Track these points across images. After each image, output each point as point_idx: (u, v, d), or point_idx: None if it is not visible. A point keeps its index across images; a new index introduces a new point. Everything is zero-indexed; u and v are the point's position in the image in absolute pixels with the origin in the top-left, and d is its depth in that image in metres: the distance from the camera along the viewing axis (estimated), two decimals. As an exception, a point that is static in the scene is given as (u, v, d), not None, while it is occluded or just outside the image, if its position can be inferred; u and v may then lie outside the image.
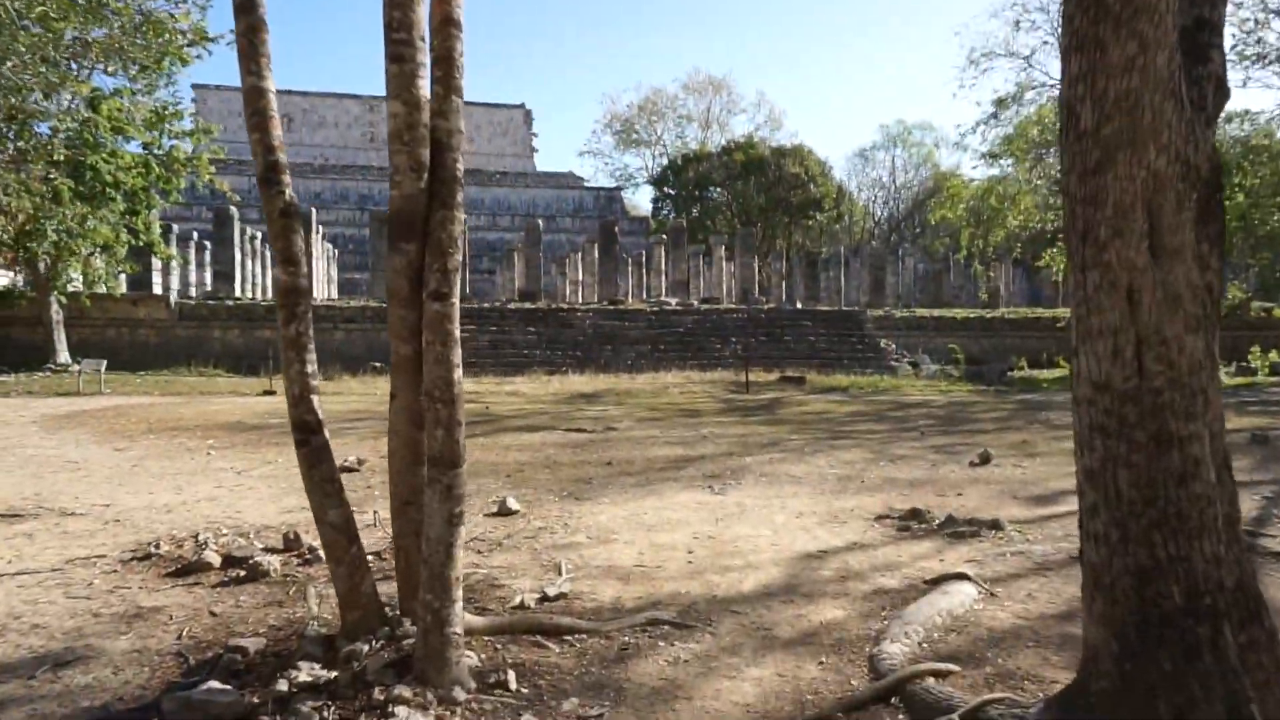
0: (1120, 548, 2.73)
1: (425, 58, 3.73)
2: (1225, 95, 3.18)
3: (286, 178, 3.75)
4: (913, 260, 41.34)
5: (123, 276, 24.94)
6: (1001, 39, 72.34)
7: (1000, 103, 26.30)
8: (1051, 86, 26.82)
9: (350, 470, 8.43)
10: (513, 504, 6.77)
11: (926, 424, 13.29)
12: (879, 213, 64.24)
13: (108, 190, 18.69)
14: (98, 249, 20.02)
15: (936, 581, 4.75)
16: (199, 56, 19.77)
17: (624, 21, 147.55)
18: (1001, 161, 28.19)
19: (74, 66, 15.45)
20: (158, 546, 5.44)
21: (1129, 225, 2.77)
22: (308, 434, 3.73)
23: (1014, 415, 14.85)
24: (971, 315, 29.93)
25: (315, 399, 3.75)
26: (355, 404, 16.03)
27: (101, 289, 22.30)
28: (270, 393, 17.78)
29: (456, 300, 3.65)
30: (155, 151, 20.38)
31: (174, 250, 25.20)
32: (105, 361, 18.87)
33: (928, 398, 18.57)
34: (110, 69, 16.05)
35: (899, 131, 61.90)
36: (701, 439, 11.11)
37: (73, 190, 18.08)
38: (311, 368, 3.74)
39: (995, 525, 6.14)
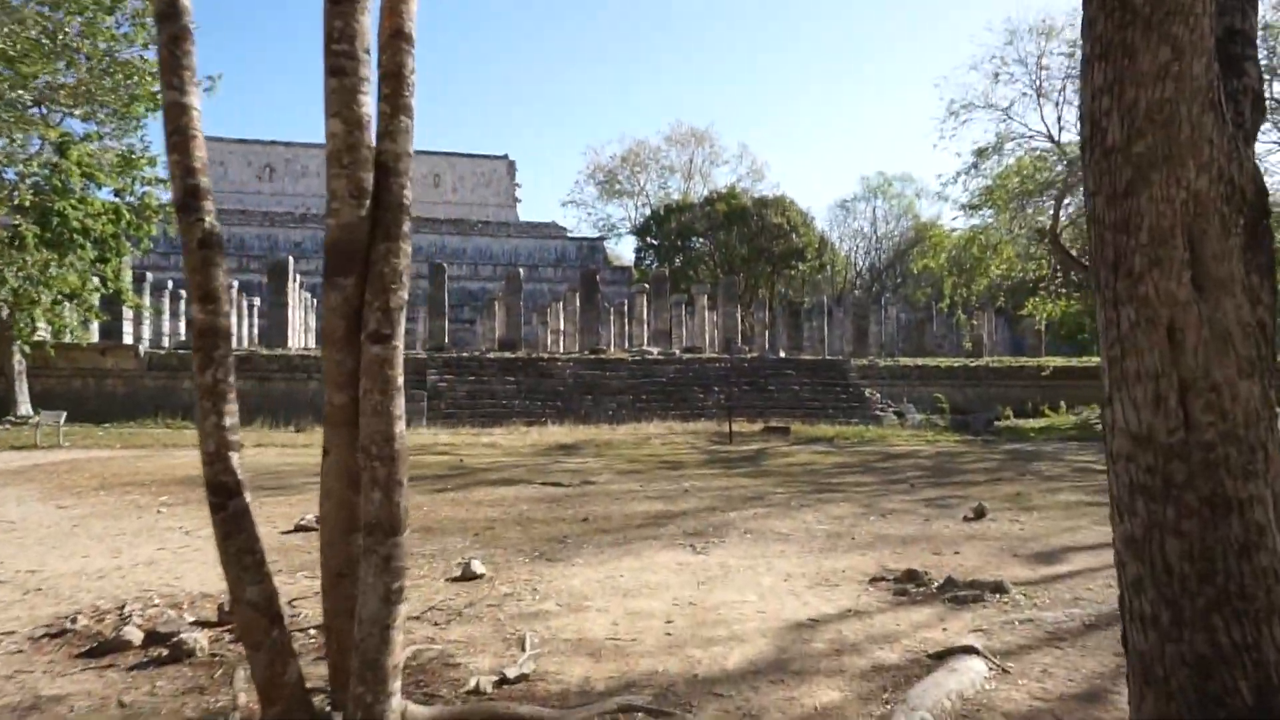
0: (1173, 632, 2.30)
1: (369, 73, 3.36)
2: (1263, 112, 2.85)
3: (209, 204, 3.33)
4: (895, 310, 41.38)
5: (94, 326, 24.34)
6: (980, 91, 73.65)
7: (980, 153, 26.46)
8: (1029, 137, 27.11)
9: (310, 530, 7.88)
10: (478, 567, 6.25)
11: (916, 476, 12.87)
12: (860, 263, 64.67)
13: (75, 237, 18.22)
14: (64, 297, 19.46)
15: (941, 656, 4.29)
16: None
17: (607, 74, 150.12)
18: (982, 212, 28.32)
19: (41, 110, 15.08)
20: (75, 621, 4.89)
21: (1168, 253, 2.39)
22: (224, 497, 3.26)
23: (1004, 466, 14.47)
24: (955, 364, 29.76)
25: (234, 456, 3.29)
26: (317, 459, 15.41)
27: (69, 338, 21.66)
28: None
29: (400, 343, 3.24)
30: (127, 198, 19.96)
31: (146, 299, 24.63)
32: (65, 413, 18.19)
33: (915, 448, 18.18)
34: (80, 113, 15.70)
35: (879, 183, 62.69)
36: (683, 493, 10.63)
37: (38, 237, 17.61)
38: (231, 420, 3.29)
39: (999, 588, 5.68)
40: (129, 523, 8.42)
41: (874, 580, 6.09)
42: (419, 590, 5.73)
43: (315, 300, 39.14)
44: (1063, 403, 27.15)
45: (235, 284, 32.82)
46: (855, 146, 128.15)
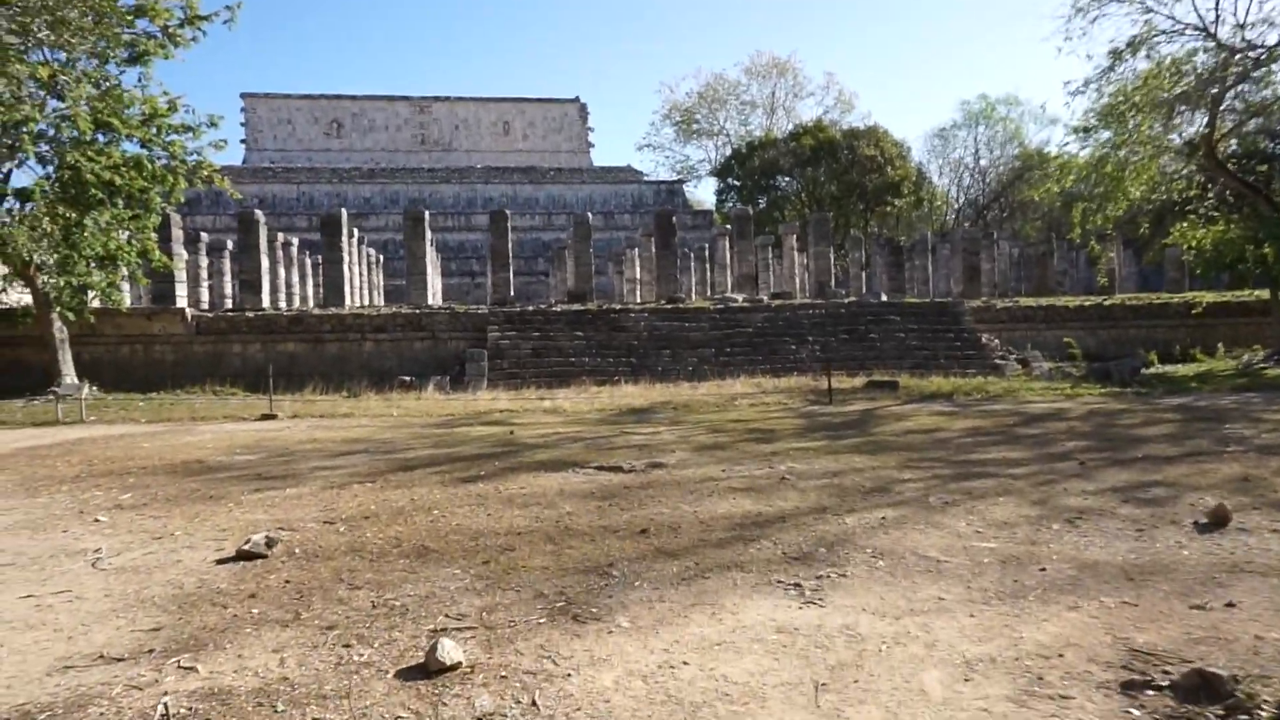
0: None
1: None
2: None
3: None
4: (1008, 244, 37.18)
5: (139, 290, 23.06)
6: None
7: (1116, 54, 22.40)
8: (1177, 32, 22.81)
9: (256, 557, 5.68)
10: (450, 652, 3.86)
11: (1079, 448, 9.95)
12: (960, 196, 59.67)
13: (95, 193, 16.59)
14: (95, 259, 17.98)
15: None
16: (194, 39, 17.74)
17: (680, 5, 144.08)
18: (1099, 134, 24.27)
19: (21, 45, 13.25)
20: None
21: None
22: None
23: (1188, 431, 11.36)
24: (1087, 303, 25.99)
25: None
26: (360, 430, 13.46)
27: (102, 303, 20.34)
28: (270, 416, 15.38)
29: None
30: (156, 151, 18.23)
31: (178, 258, 23.16)
32: (87, 384, 16.81)
33: (1056, 405, 15.09)
34: (54, 41, 13.82)
35: (981, 108, 57.25)
36: (779, 482, 8.06)
37: (54, 194, 16.03)
38: None
39: None
40: (36, 542, 6.39)
41: (1127, 688, 3.45)
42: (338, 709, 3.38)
43: (382, 257, 37.71)
44: (1220, 345, 23.22)
45: (295, 241, 31.43)
46: (952, 69, 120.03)
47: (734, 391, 18.17)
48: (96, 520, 7.07)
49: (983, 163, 57.26)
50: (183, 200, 19.94)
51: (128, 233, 17.92)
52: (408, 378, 20.26)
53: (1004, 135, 56.70)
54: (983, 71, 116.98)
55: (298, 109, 56.84)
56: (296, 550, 5.91)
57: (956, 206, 57.86)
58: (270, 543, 5.83)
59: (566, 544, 6.01)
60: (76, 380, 20.04)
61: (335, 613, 4.62)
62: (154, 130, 18.07)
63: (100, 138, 17.62)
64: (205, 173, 18.50)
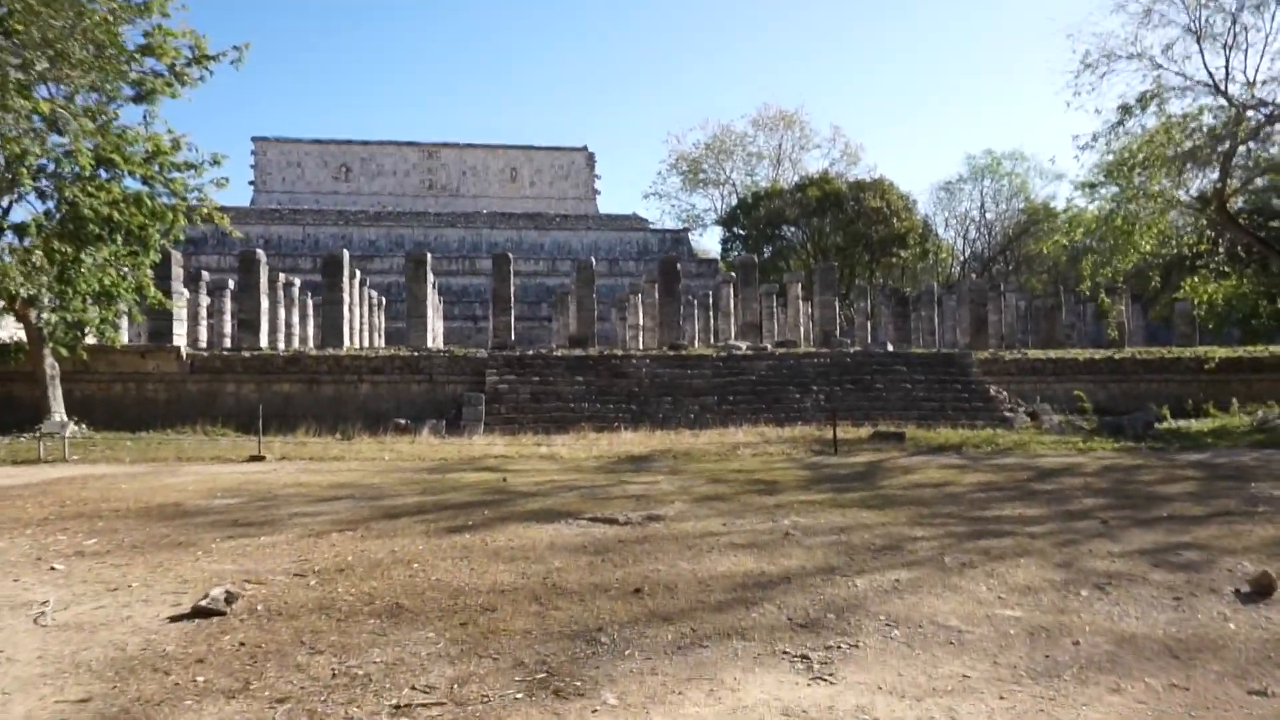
0: None
1: None
2: None
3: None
4: (1014, 297, 36.92)
5: (137, 327, 22.78)
6: (1123, 38, 67.16)
7: (1126, 109, 22.30)
8: (1186, 89, 22.76)
9: (214, 614, 5.21)
10: (408, 736, 3.40)
11: (1099, 506, 9.46)
12: (965, 249, 59.69)
13: (91, 228, 16.38)
14: (92, 296, 17.72)
15: None
16: (201, 78, 17.70)
17: (688, 57, 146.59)
18: (1103, 189, 24.15)
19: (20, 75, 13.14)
20: None
21: None
22: None
23: (1211, 489, 10.86)
24: (1097, 356, 25.56)
25: None
26: (348, 474, 12.98)
27: (94, 340, 20.03)
28: (258, 458, 14.93)
29: None
30: (157, 189, 18.07)
31: (178, 296, 22.91)
32: (72, 423, 16.41)
33: (1069, 460, 14.59)
34: (54, 75, 13.70)
35: (987, 162, 57.56)
36: (783, 538, 7.58)
37: (50, 230, 15.83)
38: None
39: None
40: (-19, 594, 5.93)
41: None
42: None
43: (384, 300, 37.54)
44: (1234, 400, 22.74)
45: (298, 282, 31.27)
46: (959, 124, 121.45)
47: (736, 440, 17.69)
48: (52, 569, 6.60)
49: (989, 216, 57.47)
50: (183, 238, 19.74)
51: (125, 269, 17.67)
52: (403, 421, 19.82)
53: (1010, 189, 57.01)
54: (989, 126, 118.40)
55: (307, 153, 57.40)
56: (259, 607, 5.44)
57: (962, 259, 57.87)
58: (230, 598, 5.37)
59: (553, 604, 5.54)
60: (65, 418, 19.64)
61: (290, 682, 4.15)
62: (156, 168, 17.93)
63: (102, 174, 17.49)
64: (206, 210, 18.32)
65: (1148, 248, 22.79)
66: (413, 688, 4.07)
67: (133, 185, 18.17)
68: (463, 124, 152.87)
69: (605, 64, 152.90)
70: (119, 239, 18.15)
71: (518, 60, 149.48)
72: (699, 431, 19.08)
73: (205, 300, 27.62)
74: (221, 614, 5.21)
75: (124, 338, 22.43)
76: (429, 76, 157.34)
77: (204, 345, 27.14)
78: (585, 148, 63.43)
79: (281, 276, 29.27)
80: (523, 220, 52.34)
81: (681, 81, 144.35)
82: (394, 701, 3.88)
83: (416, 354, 22.23)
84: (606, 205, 65.59)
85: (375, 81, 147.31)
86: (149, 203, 17.11)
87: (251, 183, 57.49)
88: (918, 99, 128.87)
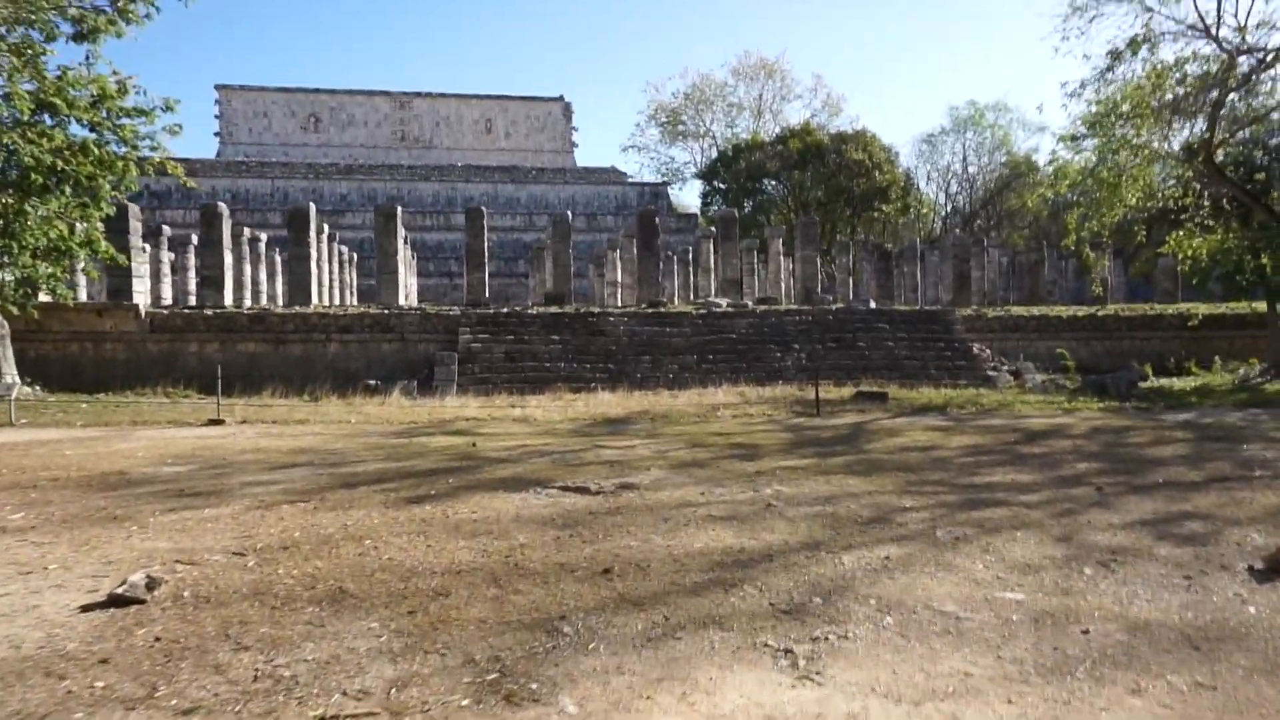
0: None
1: None
2: None
3: None
4: (996, 252, 36.51)
5: (93, 285, 21.87)
6: None
7: (1115, 54, 21.69)
8: (1178, 33, 22.12)
9: (120, 603, 4.69)
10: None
11: (1091, 471, 9.10)
12: (947, 205, 59.13)
13: (34, 179, 15.44)
14: (37, 251, 16.82)
15: None
16: (147, 16, 16.66)
17: (667, 4, 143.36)
18: (1084, 144, 23.63)
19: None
20: None
21: None
22: None
23: (1202, 452, 10.55)
24: (1080, 314, 25.27)
25: None
26: (310, 439, 12.41)
27: (54, 298, 19.16)
28: (218, 422, 14.31)
29: None
30: (106, 135, 17.07)
31: (136, 251, 21.96)
32: (18, 384, 15.69)
33: (1056, 421, 14.28)
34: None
35: (970, 114, 56.73)
36: (765, 509, 7.13)
37: (-9, 177, 14.90)
38: None
39: None
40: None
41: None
42: None
43: (356, 256, 36.52)
44: (1216, 358, 22.57)
45: (264, 237, 30.27)
46: (942, 74, 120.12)
47: (716, 401, 17.26)
48: (-37, 548, 6.02)
49: (971, 169, 56.79)
50: (137, 189, 18.77)
51: (75, 222, 16.75)
52: (373, 382, 19.21)
53: (992, 142, 56.33)
54: (972, 76, 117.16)
55: (274, 102, 55.52)
56: (186, 593, 4.91)
57: (944, 214, 57.34)
58: (152, 584, 4.83)
59: (513, 587, 5.05)
60: (15, 379, 18.86)
61: (203, 687, 3.63)
62: (104, 113, 16.91)
63: (47, 120, 16.49)
64: (159, 160, 17.35)
65: (1133, 201, 22.38)
66: (344, 693, 3.57)
67: (80, 134, 17.19)
68: (436, 74, 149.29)
69: (582, 11, 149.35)
70: (66, 190, 17.22)
71: (492, 7, 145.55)
72: (678, 392, 18.62)
73: (168, 256, 26.63)
74: (140, 602, 4.67)
75: (83, 295, 21.54)
76: (401, 24, 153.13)
77: (167, 303, 26.24)
78: (562, 98, 61.91)
79: (247, 231, 28.26)
80: (498, 173, 51.11)
81: (660, 30, 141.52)
82: (319, 712, 3.38)
83: (387, 312, 21.52)
84: (584, 158, 64.39)
85: (345, 28, 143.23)
86: (96, 150, 16.13)
87: (217, 134, 55.58)
88: (900, 47, 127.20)
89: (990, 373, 21.18)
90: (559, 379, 19.49)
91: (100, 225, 17.12)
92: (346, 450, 11.13)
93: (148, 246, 24.72)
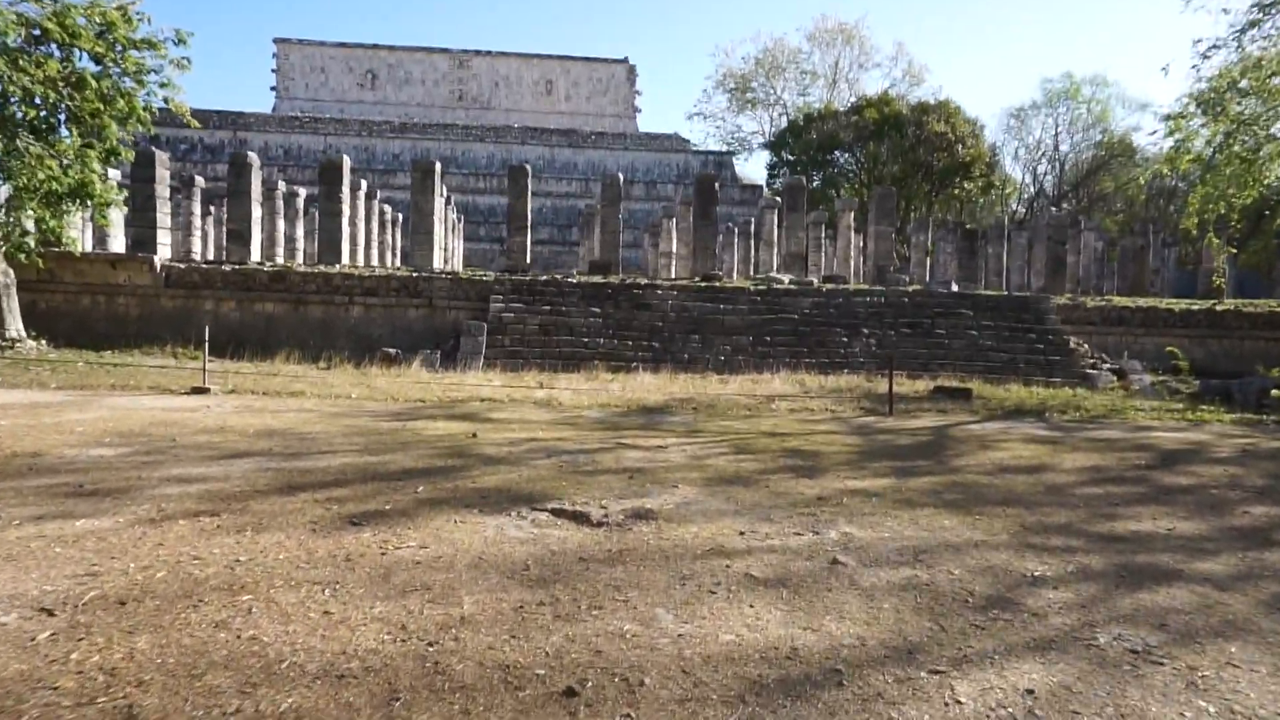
0: None
1: None
2: None
3: None
4: (1092, 236, 33.18)
5: (121, 235, 20.58)
6: None
7: (1264, 6, 18.56)
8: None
9: None
10: None
11: (1272, 517, 6.74)
12: (1033, 185, 55.13)
13: (15, 110, 13.97)
14: (29, 193, 15.44)
15: None
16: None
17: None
18: (1189, 124, 20.47)
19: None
20: None
21: None
22: None
23: None
24: (1195, 308, 22.24)
25: None
26: (291, 417, 10.67)
27: (59, 246, 17.86)
28: (202, 390, 12.67)
29: None
30: (111, 69, 15.55)
31: (162, 202, 20.59)
32: (29, 338, 14.43)
33: (1187, 435, 11.74)
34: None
35: (1065, 87, 52.44)
36: (830, 569, 5.00)
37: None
38: None
39: None
40: None
41: None
42: None
43: (401, 217, 35.04)
44: (1360, 365, 19.43)
45: (302, 193, 28.88)
46: (1034, 45, 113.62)
47: (771, 390, 15.07)
48: None
49: (1063, 148, 52.49)
50: (151, 130, 17.25)
51: (68, 164, 15.28)
52: (392, 350, 17.49)
53: (1088, 119, 51.96)
54: (1068, 49, 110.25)
55: (331, 58, 54.26)
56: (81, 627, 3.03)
57: (1029, 195, 53.39)
58: None
59: (413, 718, 3.06)
60: (21, 332, 17.67)
61: None
62: (112, 45, 15.37)
63: (54, 51, 15.01)
64: (164, 97, 15.75)
65: (1274, 179, 19.32)
66: None
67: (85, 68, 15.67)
68: (496, 32, 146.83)
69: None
70: (74, 131, 15.81)
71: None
72: (729, 377, 16.47)
73: (197, 208, 25.36)
74: None
75: (87, 244, 20.29)
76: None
77: (196, 257, 24.99)
78: (626, 60, 59.28)
79: (281, 185, 26.82)
80: (556, 136, 49.06)
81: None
82: None
83: (415, 275, 19.76)
84: (647, 124, 61.99)
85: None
86: (94, 83, 14.58)
87: (273, 88, 54.71)
88: (991, 15, 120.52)
89: (1089, 371, 18.51)
90: (596, 356, 17.51)
91: (98, 168, 15.59)
92: (322, 435, 9.32)
93: (172, 197, 23.40)
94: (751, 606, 4.31)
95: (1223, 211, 19.54)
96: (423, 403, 12.59)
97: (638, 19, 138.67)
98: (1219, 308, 22.04)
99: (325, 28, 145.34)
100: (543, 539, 5.46)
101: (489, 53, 57.12)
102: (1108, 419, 13.46)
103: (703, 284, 21.31)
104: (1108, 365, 19.24)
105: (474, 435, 9.59)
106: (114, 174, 24.85)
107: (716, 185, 24.59)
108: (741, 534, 5.69)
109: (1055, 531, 6.11)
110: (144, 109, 15.72)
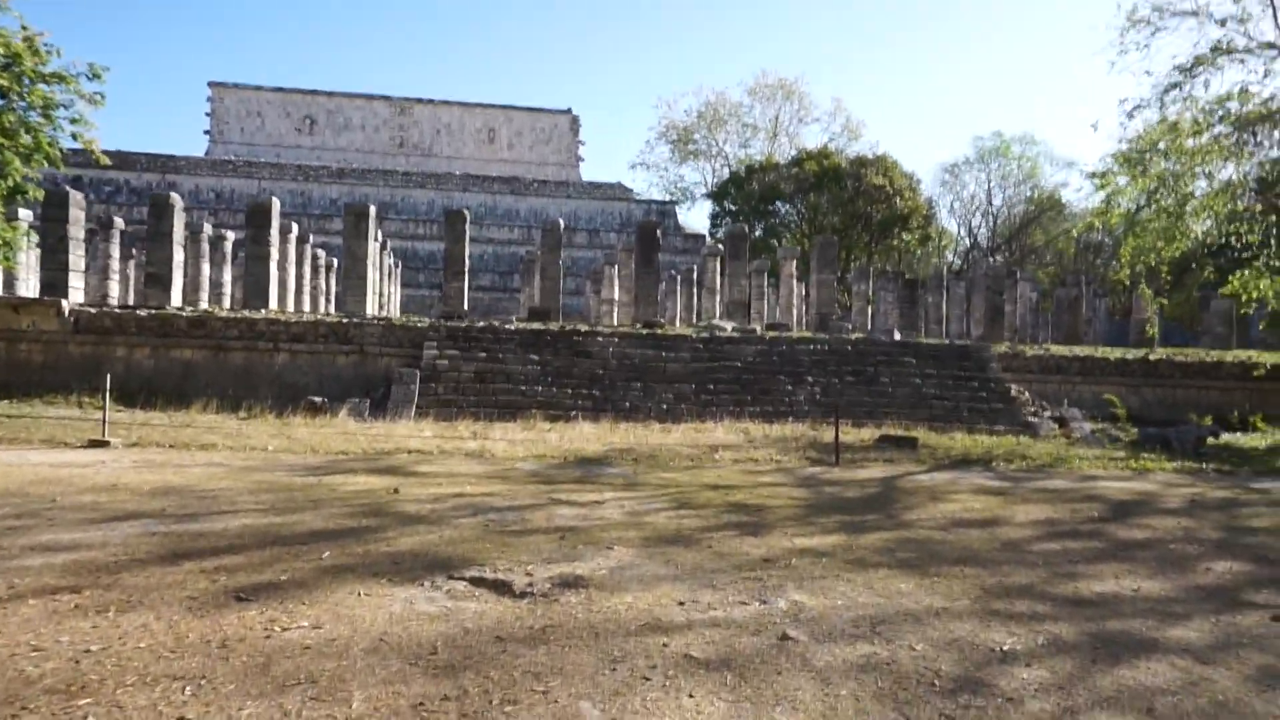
0: None
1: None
2: None
3: None
4: (1027, 286, 33.90)
5: (5, 276, 19.38)
6: None
7: (1185, 70, 19.19)
8: (1249, 52, 19.65)
9: None
10: None
11: (1233, 574, 6.45)
12: (968, 238, 56.56)
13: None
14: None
15: None
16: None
17: (683, 18, 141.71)
18: (1116, 180, 21.11)
19: None
20: None
21: None
22: None
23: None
24: (1130, 357, 22.58)
25: None
26: (196, 473, 9.79)
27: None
28: (101, 444, 11.67)
29: None
30: (14, 101, 14.64)
31: (115, 249, 19.47)
32: None
33: (1134, 486, 11.57)
34: None
35: (996, 144, 54.30)
36: (779, 645, 4.45)
37: None
38: None
39: None
40: None
41: None
42: None
43: (335, 261, 34.05)
44: (1286, 413, 19.88)
45: (231, 236, 27.87)
46: (965, 104, 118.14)
47: (715, 440, 14.60)
48: None
49: (995, 202, 54.11)
50: (61, 168, 16.28)
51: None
52: (318, 399, 16.59)
53: (1019, 174, 53.79)
54: (998, 107, 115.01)
55: (269, 102, 53.33)
56: None
57: (964, 247, 54.75)
58: None
59: None
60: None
61: None
62: (16, 75, 14.48)
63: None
64: (72, 134, 14.86)
65: (1199, 231, 19.81)
66: None
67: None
68: (438, 80, 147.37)
69: (593, 22, 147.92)
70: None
71: (498, 13, 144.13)
72: (671, 426, 15.97)
73: (116, 251, 24.17)
74: None
75: (23, 290, 19.06)
76: (402, 26, 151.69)
77: (114, 302, 23.73)
78: (569, 110, 59.68)
79: (207, 228, 25.77)
80: (498, 184, 48.74)
81: (675, 45, 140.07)
82: None
83: (345, 321, 18.94)
84: (590, 173, 62.09)
85: (343, 29, 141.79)
86: (-6, 118, 13.66)
87: (207, 132, 53.38)
88: (923, 74, 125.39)
89: (1031, 419, 18.49)
90: (534, 405, 16.87)
91: (-3, 205, 14.58)
92: (226, 493, 8.49)
93: (86, 239, 22.24)
94: (691, 696, 3.73)
95: (1152, 264, 19.94)
96: (345, 455, 11.78)
97: (581, 69, 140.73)
98: (1152, 357, 22.43)
99: (262, 72, 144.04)
100: (456, 614, 4.80)
101: (431, 101, 56.90)
102: (1053, 468, 13.28)
103: (645, 331, 20.90)
104: (1048, 413, 19.29)
105: (395, 491, 8.87)
106: (25, 214, 23.61)
107: (659, 232, 24.39)
108: (681, 604, 5.12)
109: (1018, 595, 5.67)
110: (51, 144, 14.80)
